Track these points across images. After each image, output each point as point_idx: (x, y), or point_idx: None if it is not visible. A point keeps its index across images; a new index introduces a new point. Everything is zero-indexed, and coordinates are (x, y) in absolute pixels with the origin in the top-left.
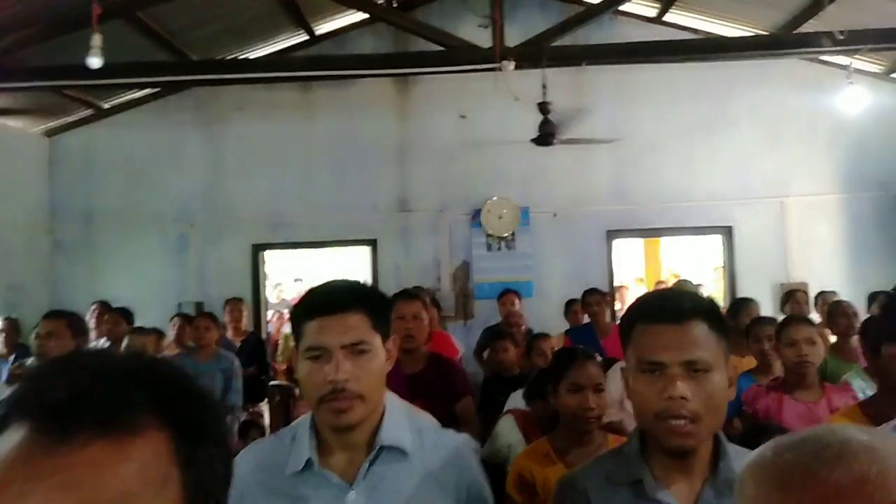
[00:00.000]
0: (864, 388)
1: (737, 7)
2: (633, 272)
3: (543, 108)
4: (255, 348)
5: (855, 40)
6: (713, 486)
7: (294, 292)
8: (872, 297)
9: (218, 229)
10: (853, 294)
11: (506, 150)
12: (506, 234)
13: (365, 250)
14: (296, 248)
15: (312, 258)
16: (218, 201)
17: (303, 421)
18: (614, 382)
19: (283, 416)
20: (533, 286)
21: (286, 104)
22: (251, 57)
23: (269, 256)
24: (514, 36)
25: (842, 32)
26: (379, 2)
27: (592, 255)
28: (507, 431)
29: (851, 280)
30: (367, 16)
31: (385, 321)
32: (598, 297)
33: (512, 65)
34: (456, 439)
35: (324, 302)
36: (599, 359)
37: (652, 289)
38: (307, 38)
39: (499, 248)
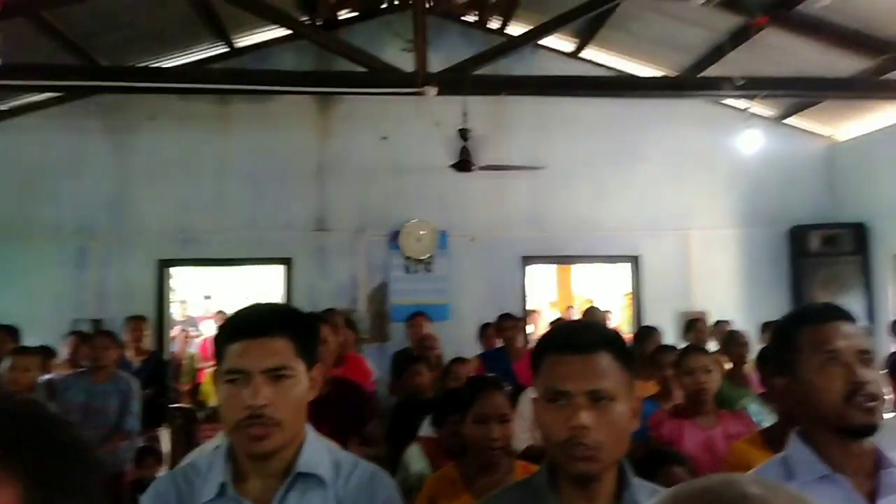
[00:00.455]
0: (759, 413)
1: (648, 48)
2: (546, 297)
3: (463, 134)
4: (156, 369)
5: (752, 86)
6: None
7: (203, 310)
8: (765, 327)
9: (121, 243)
10: (748, 323)
11: (425, 174)
12: (424, 257)
13: (279, 269)
14: (206, 265)
15: (223, 276)
16: (123, 214)
17: (220, 448)
18: (529, 408)
19: (184, 441)
20: (449, 309)
21: (201, 116)
22: (165, 66)
23: (177, 273)
24: (437, 62)
25: (741, 78)
26: (302, 19)
27: (507, 279)
28: (414, 459)
29: (746, 309)
30: (289, 32)
31: (311, 348)
32: (512, 322)
33: (434, 90)
34: (375, 473)
35: (247, 324)
36: (508, 387)
37: (563, 313)
38: (226, 50)
39: (416, 271)
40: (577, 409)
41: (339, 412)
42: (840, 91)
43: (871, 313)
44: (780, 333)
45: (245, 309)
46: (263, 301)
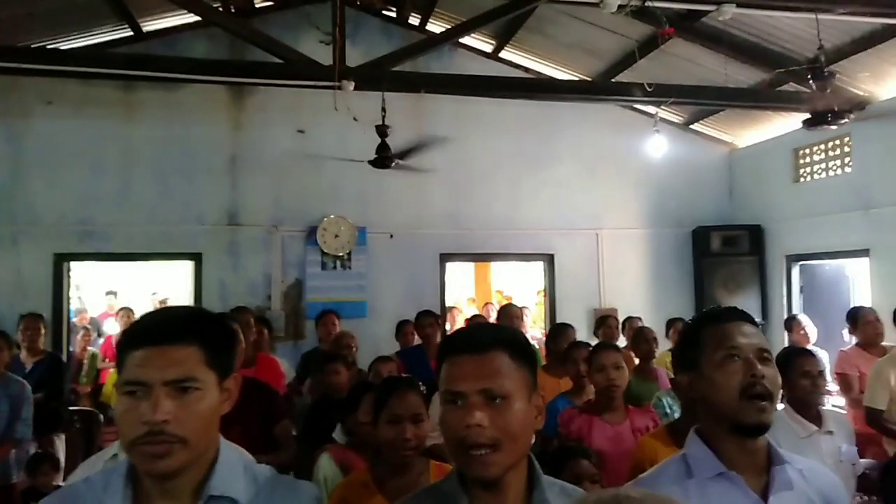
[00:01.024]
0: (671, 404)
1: (563, 52)
2: (465, 294)
3: (381, 130)
4: (51, 370)
5: (660, 93)
6: None
7: (105, 307)
8: (670, 323)
9: (14, 236)
10: (655, 319)
11: (343, 169)
12: (341, 254)
13: (188, 265)
14: (109, 259)
15: (128, 271)
16: (15, 204)
17: (118, 465)
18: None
19: (84, 447)
20: (367, 306)
21: (104, 102)
22: (64, 47)
23: (77, 268)
24: (356, 56)
25: (650, 85)
26: (215, 5)
27: (426, 277)
28: (325, 467)
29: (653, 306)
30: (199, 18)
31: (225, 357)
32: (430, 319)
33: (352, 85)
34: (297, 489)
35: (149, 330)
36: (423, 387)
37: (481, 310)
38: (132, 33)
39: (334, 268)
40: (472, 409)
41: (249, 415)
42: (739, 101)
43: (764, 310)
44: (686, 332)
45: (151, 313)
46: (174, 304)
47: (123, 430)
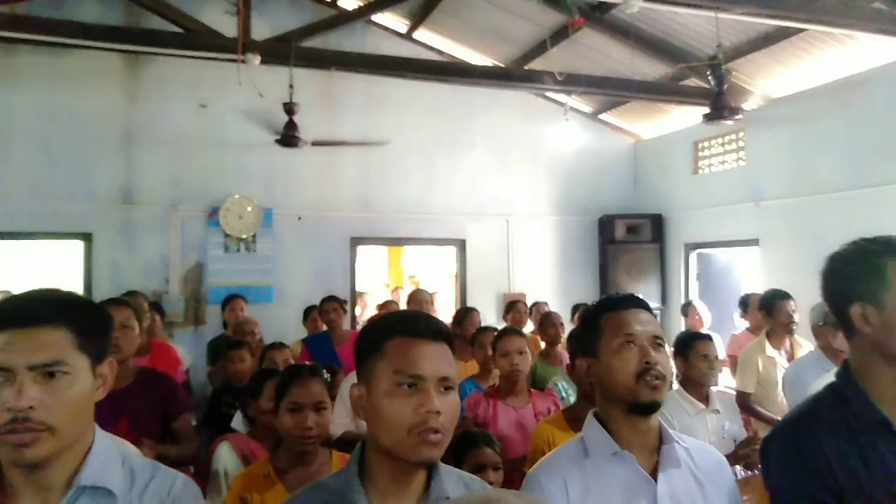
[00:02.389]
0: (566, 388)
1: (477, 36)
2: (377, 278)
3: (289, 108)
4: None
5: (571, 82)
6: None
7: None
8: (575, 309)
9: None
10: (561, 304)
11: (249, 147)
12: (246, 236)
13: (77, 245)
14: None
15: (8, 252)
16: None
17: None
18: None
19: None
20: (273, 291)
21: None
22: None
23: None
24: (263, 29)
25: (560, 74)
26: None
27: (336, 261)
28: (224, 457)
29: (560, 292)
30: None
31: (97, 340)
32: (335, 305)
33: (257, 59)
34: (175, 480)
35: (13, 312)
36: (327, 375)
37: (392, 295)
38: None
39: (238, 250)
40: (430, 394)
41: (142, 405)
42: (644, 93)
43: (664, 296)
44: (585, 318)
45: (17, 295)
46: (45, 286)
47: None
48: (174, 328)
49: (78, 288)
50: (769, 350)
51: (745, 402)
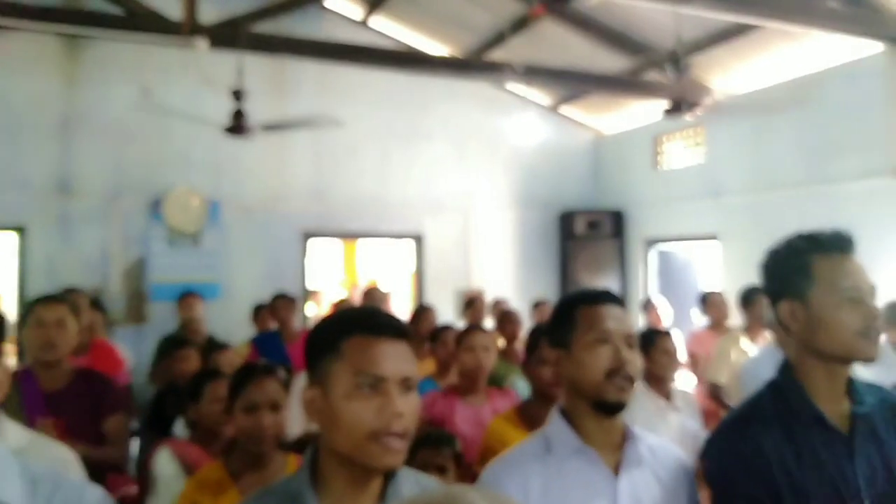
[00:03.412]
0: (525, 388)
1: (435, 24)
2: (331, 276)
3: (238, 95)
4: None
5: (530, 74)
6: None
7: None
8: (535, 305)
9: None
10: (521, 301)
11: (194, 136)
12: (191, 230)
13: (10, 238)
14: None
15: None
16: None
17: None
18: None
19: None
20: (219, 288)
21: None
22: None
23: None
24: (210, 12)
25: (521, 65)
26: None
27: (287, 256)
28: (164, 464)
29: (520, 288)
30: None
31: None
32: (285, 302)
33: (205, 43)
34: (83, 492)
35: None
36: (283, 374)
37: (348, 292)
38: None
39: (182, 245)
40: (393, 396)
41: (78, 407)
42: (604, 86)
43: (624, 292)
44: (559, 311)
45: None
46: None
47: None
48: (115, 326)
49: (11, 284)
50: (744, 344)
51: (716, 393)
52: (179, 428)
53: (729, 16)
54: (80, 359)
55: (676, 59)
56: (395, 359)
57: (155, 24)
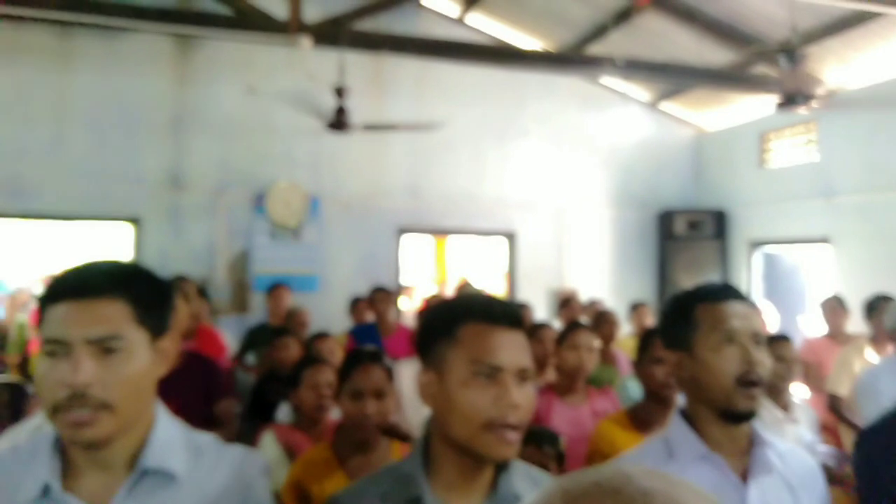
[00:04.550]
0: (635, 389)
1: (532, 20)
2: (422, 270)
3: (339, 91)
4: None
5: (631, 68)
6: (493, 503)
7: (37, 274)
8: (633, 308)
9: None
10: (616, 302)
11: (296, 132)
12: (292, 224)
13: (127, 229)
14: (39, 218)
15: (61, 234)
16: None
17: (45, 435)
18: (404, 383)
19: (10, 418)
20: (318, 280)
21: (37, 49)
22: None
23: (2, 228)
24: (314, 12)
25: (621, 60)
26: None
27: (382, 251)
28: (267, 447)
29: (615, 289)
30: None
31: (158, 313)
32: (384, 295)
33: (308, 42)
34: (242, 458)
35: (72, 283)
36: (390, 362)
37: (439, 287)
38: None
39: (283, 238)
40: (510, 387)
41: (187, 390)
42: (710, 81)
43: None
44: (675, 308)
45: (74, 266)
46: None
47: (44, 395)
48: (219, 315)
49: None
50: (868, 355)
51: (836, 406)
52: (281, 414)
53: (847, 4)
54: (188, 344)
55: (791, 50)
56: (512, 349)
57: (263, 24)
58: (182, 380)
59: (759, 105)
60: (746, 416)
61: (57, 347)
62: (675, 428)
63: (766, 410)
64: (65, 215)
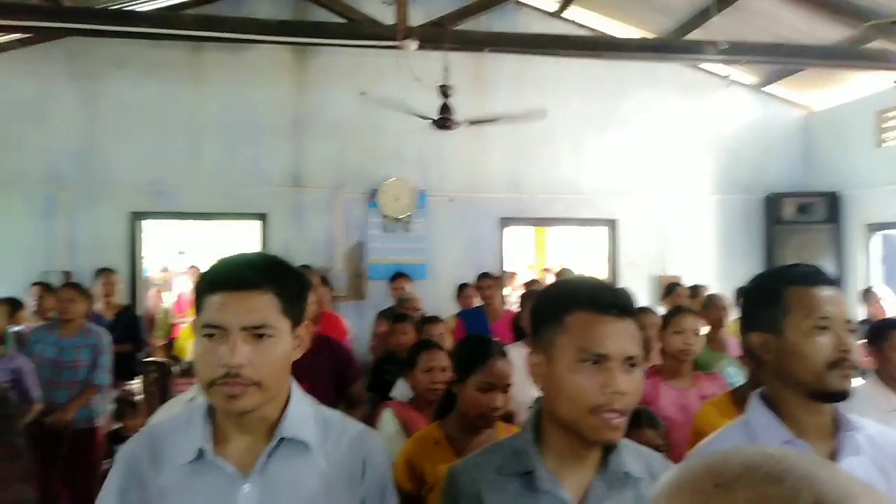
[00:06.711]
0: (735, 374)
1: (631, 9)
2: (523, 259)
3: (444, 90)
4: (131, 324)
5: (736, 51)
6: (604, 479)
7: (177, 265)
8: (740, 292)
9: (91, 194)
10: (722, 288)
11: (404, 131)
12: (402, 216)
13: (255, 225)
14: (179, 218)
15: (197, 230)
16: (92, 164)
17: (198, 405)
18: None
19: (159, 394)
20: (426, 269)
21: (173, 64)
22: (137, 9)
23: (149, 226)
24: (418, 16)
25: (724, 43)
26: None
27: (485, 240)
28: (387, 423)
29: (721, 275)
30: None
31: (298, 305)
32: (491, 281)
33: (414, 44)
34: (362, 434)
35: (229, 276)
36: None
37: (540, 276)
38: None
39: (394, 230)
40: (616, 374)
41: (318, 370)
42: (822, 59)
43: (841, 280)
44: (763, 289)
45: (228, 258)
46: (249, 251)
47: (202, 371)
48: (338, 302)
49: None
50: None
51: None
52: (398, 392)
53: None
54: (314, 328)
55: None
56: (618, 337)
57: (372, 31)
58: (313, 362)
59: (874, 82)
60: (840, 396)
61: (215, 332)
62: (755, 411)
63: (884, 399)
64: (201, 214)
